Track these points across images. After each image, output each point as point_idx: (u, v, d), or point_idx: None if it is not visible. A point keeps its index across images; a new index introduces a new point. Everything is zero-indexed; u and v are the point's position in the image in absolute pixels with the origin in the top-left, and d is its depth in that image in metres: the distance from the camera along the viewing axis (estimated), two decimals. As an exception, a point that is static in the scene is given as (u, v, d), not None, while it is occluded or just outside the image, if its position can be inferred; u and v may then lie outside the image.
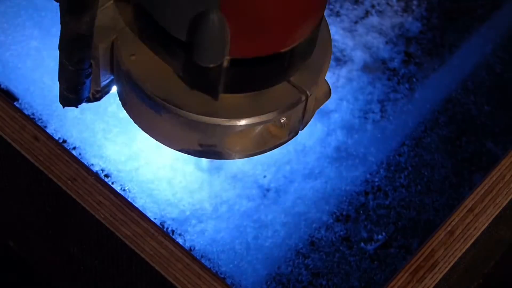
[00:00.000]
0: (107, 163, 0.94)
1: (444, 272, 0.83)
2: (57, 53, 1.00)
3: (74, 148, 0.94)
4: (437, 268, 0.83)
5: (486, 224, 0.86)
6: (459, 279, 0.86)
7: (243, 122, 0.71)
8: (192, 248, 0.89)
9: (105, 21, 0.73)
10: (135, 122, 0.78)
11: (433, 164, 0.98)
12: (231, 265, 0.89)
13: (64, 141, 0.95)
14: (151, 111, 0.73)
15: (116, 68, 0.75)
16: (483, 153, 0.99)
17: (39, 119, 0.96)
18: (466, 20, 1.12)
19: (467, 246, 0.85)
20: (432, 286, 0.83)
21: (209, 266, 0.85)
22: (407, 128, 1.01)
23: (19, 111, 0.84)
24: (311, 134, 0.98)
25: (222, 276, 0.88)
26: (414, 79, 1.05)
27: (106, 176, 0.93)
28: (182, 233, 0.90)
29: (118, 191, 0.87)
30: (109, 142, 0.96)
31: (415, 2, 1.12)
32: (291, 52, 0.70)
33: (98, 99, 0.79)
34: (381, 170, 0.97)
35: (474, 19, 1.12)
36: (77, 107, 0.79)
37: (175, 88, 0.72)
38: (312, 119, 0.98)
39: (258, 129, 0.74)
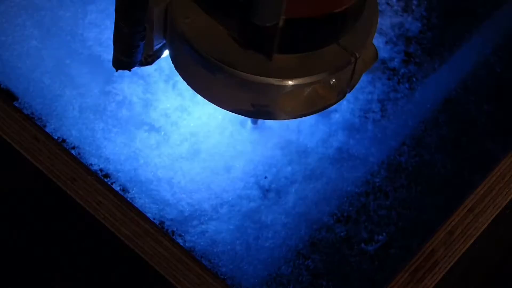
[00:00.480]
0: (106, 163, 0.94)
1: (444, 272, 0.84)
2: (57, 52, 1.01)
3: (73, 148, 0.94)
4: (437, 268, 0.84)
5: (486, 224, 0.87)
6: (459, 279, 0.86)
7: (294, 82, 0.74)
8: (192, 249, 0.89)
9: None
10: (188, 84, 0.80)
11: (433, 164, 0.98)
12: (231, 266, 0.89)
13: (64, 141, 0.95)
14: (205, 72, 0.75)
15: (170, 31, 0.77)
16: (483, 153, 0.99)
17: (39, 119, 0.96)
18: (466, 20, 1.12)
19: (467, 246, 0.86)
20: (432, 286, 0.83)
21: (209, 267, 0.85)
22: (407, 127, 1.01)
23: (19, 111, 0.85)
24: (312, 134, 0.99)
25: (222, 277, 0.88)
26: (414, 79, 1.05)
27: (105, 176, 0.93)
28: (183, 234, 0.90)
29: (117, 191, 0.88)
30: (108, 142, 0.96)
31: (415, 2, 1.12)
32: (343, 13, 0.72)
33: (150, 63, 0.81)
34: (382, 171, 0.97)
35: (474, 18, 1.12)
36: (130, 70, 0.81)
37: (229, 49, 0.74)
38: (312, 119, 0.99)
39: (308, 89, 0.76)
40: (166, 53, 0.81)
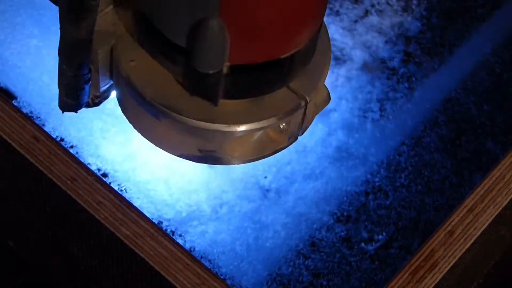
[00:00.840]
0: (104, 162, 0.95)
1: (444, 272, 0.84)
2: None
3: (71, 147, 0.94)
4: (437, 268, 0.84)
5: (486, 224, 0.86)
6: (459, 279, 0.86)
7: (242, 128, 0.72)
8: (192, 250, 0.90)
9: (104, 26, 0.73)
10: (134, 128, 0.78)
11: (433, 163, 0.99)
12: (231, 266, 0.89)
13: (62, 140, 0.95)
14: (151, 117, 0.73)
15: (116, 73, 0.76)
16: (483, 153, 0.99)
17: (37, 118, 0.96)
18: (466, 20, 1.12)
19: (467, 246, 0.85)
20: (432, 286, 0.83)
21: (209, 267, 0.85)
22: (406, 127, 1.01)
23: (19, 111, 0.85)
24: (311, 133, 0.99)
25: (222, 277, 0.88)
26: (414, 79, 1.05)
27: (104, 175, 0.94)
28: (182, 234, 0.90)
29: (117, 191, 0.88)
30: (106, 141, 0.96)
31: (415, 2, 1.12)
32: (291, 58, 0.70)
33: (97, 105, 0.79)
34: (382, 170, 0.97)
35: (474, 18, 1.12)
36: (76, 112, 0.79)
37: (174, 94, 0.72)
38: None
39: (258, 134, 0.74)
40: (114, 93, 0.79)
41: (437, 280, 0.83)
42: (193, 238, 0.90)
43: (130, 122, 0.79)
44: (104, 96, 0.79)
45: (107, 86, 0.78)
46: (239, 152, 0.76)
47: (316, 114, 0.78)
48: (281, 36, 0.69)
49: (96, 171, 0.93)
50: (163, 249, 0.82)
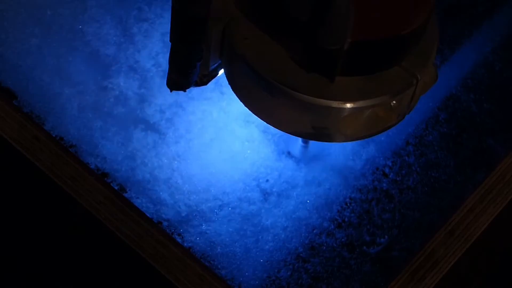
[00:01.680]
0: (103, 162, 0.94)
1: (444, 272, 0.85)
2: (56, 51, 1.01)
3: (70, 146, 0.94)
4: (437, 268, 0.85)
5: (486, 224, 0.88)
6: (459, 279, 0.86)
7: (355, 105, 0.74)
8: (191, 250, 0.90)
9: (218, 6, 0.75)
10: (245, 105, 0.80)
11: (432, 163, 0.99)
12: (230, 268, 0.89)
13: (61, 139, 0.95)
14: (265, 94, 0.75)
15: (228, 51, 0.77)
16: (483, 153, 0.99)
17: (37, 116, 0.96)
18: (466, 18, 1.12)
19: (467, 246, 0.86)
20: (432, 286, 0.84)
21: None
22: (408, 126, 1.02)
23: (20, 111, 0.85)
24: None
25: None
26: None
27: (103, 175, 0.94)
28: (181, 235, 0.90)
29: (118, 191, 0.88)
30: (106, 141, 0.96)
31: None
32: (408, 36, 0.72)
33: (205, 83, 0.81)
34: (383, 172, 0.97)
35: (474, 16, 1.13)
36: (185, 91, 0.81)
37: (289, 71, 0.74)
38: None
39: (369, 112, 0.75)
40: (221, 72, 0.82)
41: (437, 280, 0.84)
42: (191, 238, 0.90)
43: (241, 100, 0.80)
44: (212, 74, 0.81)
45: (216, 65, 0.80)
46: (350, 129, 0.77)
47: (424, 92, 0.79)
48: (403, 13, 0.71)
49: (95, 171, 0.93)
50: (163, 249, 0.83)
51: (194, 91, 1.00)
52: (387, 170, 0.97)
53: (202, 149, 0.96)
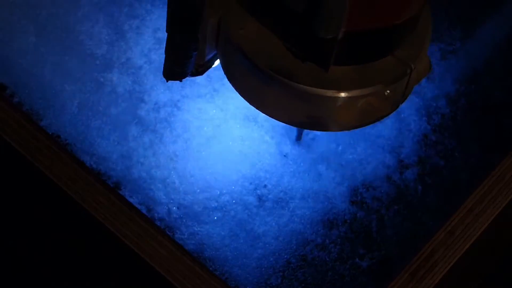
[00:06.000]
0: (98, 161, 0.96)
1: (444, 272, 0.87)
2: (53, 48, 1.03)
3: (66, 144, 0.96)
4: (437, 268, 0.86)
5: (486, 224, 0.89)
6: (459, 279, 0.88)
7: (350, 94, 0.76)
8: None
9: None
10: (241, 95, 0.83)
11: (432, 163, 1.00)
12: (219, 272, 0.90)
13: (58, 136, 0.96)
14: (260, 83, 0.78)
15: (224, 42, 0.80)
16: (483, 153, 1.00)
17: (36, 113, 0.98)
18: (467, 17, 1.11)
19: (467, 246, 0.88)
20: (432, 286, 0.86)
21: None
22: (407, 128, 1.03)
23: (19, 111, 0.86)
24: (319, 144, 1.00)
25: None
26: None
27: (98, 173, 0.94)
28: (173, 234, 0.91)
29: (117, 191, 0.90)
30: (102, 139, 0.98)
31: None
32: (402, 25, 0.75)
33: (201, 73, 0.84)
34: (382, 172, 0.99)
35: (474, 17, 1.12)
36: (181, 81, 0.84)
37: (284, 60, 0.77)
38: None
39: (363, 101, 0.78)
40: (217, 62, 0.84)
41: (437, 280, 0.86)
42: (182, 237, 0.91)
43: (236, 90, 0.83)
44: (208, 65, 0.84)
45: (211, 55, 0.83)
46: (345, 118, 0.80)
47: (418, 82, 0.82)
48: (397, 2, 0.73)
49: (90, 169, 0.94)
50: (163, 249, 0.85)
51: (187, 89, 1.02)
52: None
53: (199, 148, 0.98)
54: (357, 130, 0.89)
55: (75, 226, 0.87)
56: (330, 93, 0.76)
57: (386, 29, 0.74)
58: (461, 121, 1.04)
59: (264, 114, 0.91)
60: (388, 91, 0.78)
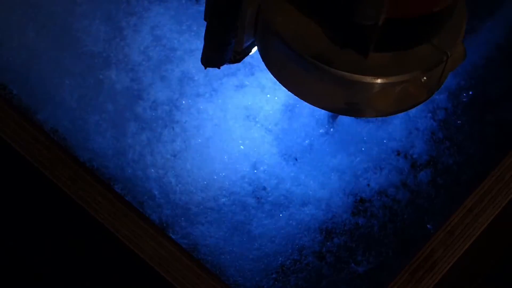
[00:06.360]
0: (93, 157, 0.96)
1: (444, 272, 0.87)
2: (51, 46, 1.03)
3: (63, 139, 0.96)
4: (436, 268, 0.87)
5: (486, 224, 0.89)
6: (459, 279, 0.89)
7: (388, 80, 0.78)
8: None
9: None
10: (279, 81, 0.84)
11: (433, 163, 1.00)
12: (216, 271, 0.91)
13: (56, 131, 0.97)
14: (299, 70, 0.79)
15: (262, 29, 0.82)
16: (483, 153, 1.00)
17: (34, 109, 0.98)
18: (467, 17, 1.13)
19: (466, 246, 0.88)
20: (431, 286, 0.86)
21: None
22: (406, 129, 1.03)
23: (19, 111, 0.86)
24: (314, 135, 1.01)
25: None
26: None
27: (93, 170, 0.94)
28: (168, 234, 0.90)
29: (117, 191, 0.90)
30: (98, 136, 0.98)
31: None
32: (440, 13, 0.76)
33: (238, 61, 0.85)
34: (384, 173, 0.99)
35: (474, 15, 1.12)
36: (219, 68, 0.85)
37: (323, 47, 0.78)
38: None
39: (400, 87, 0.79)
40: (254, 50, 0.85)
41: (437, 280, 0.86)
42: (177, 237, 0.91)
43: (274, 77, 0.84)
44: (245, 52, 0.85)
45: (249, 43, 0.84)
46: (382, 104, 0.81)
47: (453, 69, 0.83)
48: None
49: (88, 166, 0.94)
50: (162, 249, 0.85)
51: (185, 87, 1.02)
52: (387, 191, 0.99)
53: (197, 148, 0.98)
54: (362, 136, 0.91)
55: (74, 226, 0.87)
56: (368, 79, 0.78)
57: (425, 17, 0.76)
58: (461, 121, 1.04)
59: (265, 114, 0.92)
60: (424, 78, 0.79)
